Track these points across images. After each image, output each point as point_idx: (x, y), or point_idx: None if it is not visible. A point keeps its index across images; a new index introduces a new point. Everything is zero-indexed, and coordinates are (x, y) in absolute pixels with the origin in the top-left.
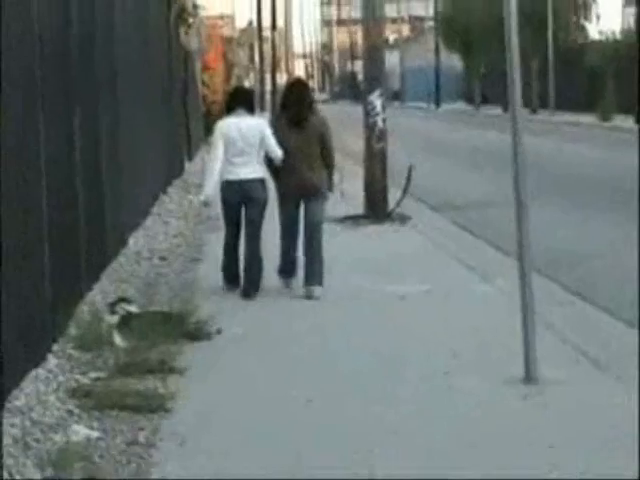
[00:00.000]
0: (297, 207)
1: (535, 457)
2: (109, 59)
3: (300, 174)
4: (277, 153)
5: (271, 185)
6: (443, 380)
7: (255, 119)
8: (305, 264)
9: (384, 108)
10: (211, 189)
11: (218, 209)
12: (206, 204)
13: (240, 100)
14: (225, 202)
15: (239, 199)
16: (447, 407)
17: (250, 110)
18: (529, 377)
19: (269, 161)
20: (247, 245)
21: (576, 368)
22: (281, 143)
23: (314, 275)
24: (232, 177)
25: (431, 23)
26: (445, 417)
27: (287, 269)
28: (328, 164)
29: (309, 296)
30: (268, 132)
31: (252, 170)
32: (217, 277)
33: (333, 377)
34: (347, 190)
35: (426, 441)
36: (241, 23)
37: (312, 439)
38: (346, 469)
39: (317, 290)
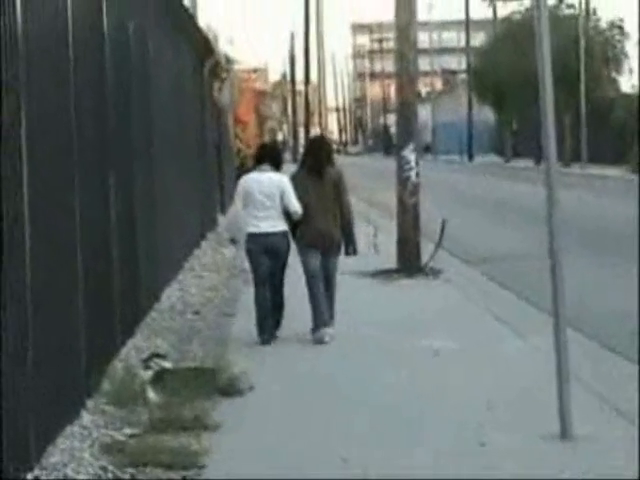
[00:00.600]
0: (317, 258)
1: None
2: (144, 116)
3: (318, 226)
4: (296, 208)
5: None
6: (477, 435)
7: (277, 174)
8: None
9: (417, 162)
10: (234, 227)
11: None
12: (233, 241)
13: (265, 156)
14: (250, 254)
15: (263, 251)
16: (481, 462)
17: (275, 165)
18: (564, 433)
19: (287, 215)
20: (271, 296)
21: (611, 425)
22: (301, 197)
23: (328, 315)
24: (255, 230)
25: (463, 76)
26: (481, 472)
27: (318, 318)
28: (344, 217)
29: (323, 340)
30: (288, 187)
31: (274, 224)
32: (250, 331)
33: (367, 434)
34: (380, 244)
35: None
36: (274, 76)
37: None
38: None
39: (330, 331)
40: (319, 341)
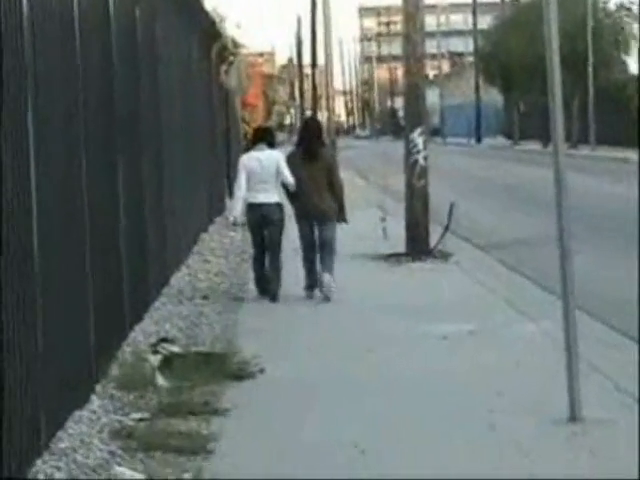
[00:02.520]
0: (311, 228)
1: None
2: (152, 101)
3: (311, 200)
4: (290, 180)
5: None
6: (487, 419)
7: (272, 151)
8: (320, 273)
9: (426, 146)
10: (238, 212)
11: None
12: (235, 224)
13: (261, 137)
14: (249, 222)
15: (260, 220)
16: (491, 446)
17: (270, 145)
18: (574, 417)
19: (285, 188)
20: (269, 260)
21: (621, 408)
22: (295, 174)
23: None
24: (253, 201)
25: (471, 59)
26: (487, 456)
27: (311, 283)
28: (336, 193)
29: (326, 298)
30: (283, 162)
31: (269, 195)
32: (260, 316)
33: (378, 418)
34: (389, 228)
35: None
36: (281, 60)
37: None
38: None
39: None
40: (309, 297)
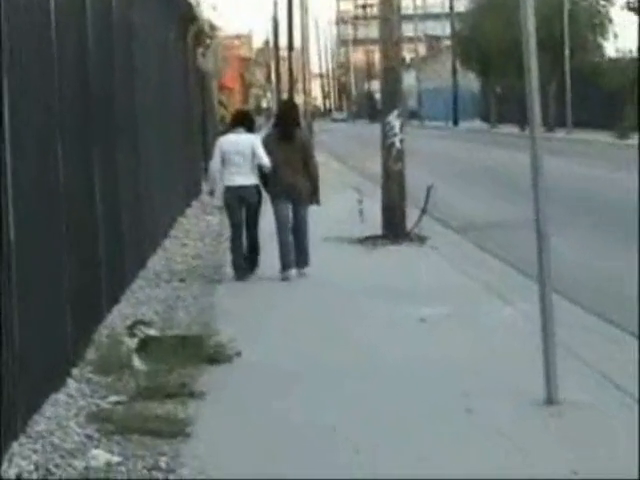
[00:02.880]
0: (286, 208)
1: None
2: (128, 85)
3: (286, 180)
4: (265, 162)
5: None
6: (463, 402)
7: (249, 135)
8: (295, 252)
9: (402, 128)
10: (214, 183)
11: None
12: (212, 193)
13: (239, 121)
14: (227, 205)
15: (237, 201)
16: (467, 428)
17: (248, 129)
18: (550, 399)
19: (260, 170)
20: (247, 241)
21: (597, 390)
22: (271, 155)
23: (302, 260)
24: (230, 184)
25: (448, 42)
26: (464, 438)
27: (286, 264)
28: (310, 174)
29: (301, 275)
30: (258, 144)
31: (246, 178)
32: (236, 299)
33: (354, 401)
34: (366, 210)
35: (446, 463)
36: (258, 43)
37: (334, 466)
38: None
39: (305, 270)
40: (285, 279)
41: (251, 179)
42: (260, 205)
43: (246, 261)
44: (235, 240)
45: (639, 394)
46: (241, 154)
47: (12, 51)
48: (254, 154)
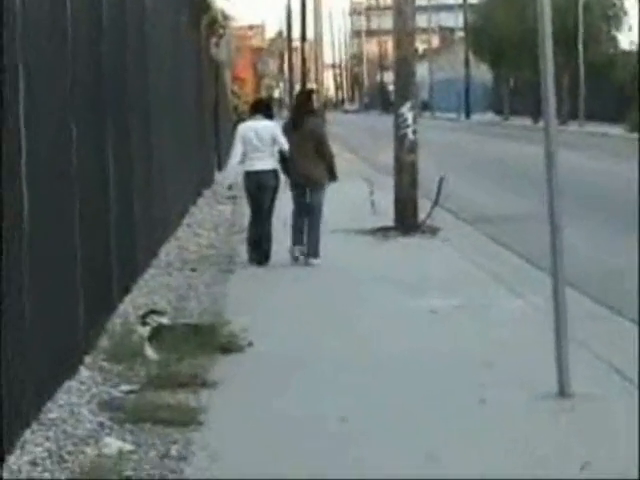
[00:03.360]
0: (303, 194)
1: (568, 473)
2: (141, 73)
3: (299, 167)
4: (285, 147)
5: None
6: (475, 394)
7: (269, 122)
8: (307, 240)
9: (415, 120)
10: (231, 178)
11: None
12: (230, 187)
13: (259, 108)
14: (246, 189)
15: (256, 186)
16: (479, 421)
17: (267, 116)
18: (562, 392)
19: (282, 157)
20: (261, 224)
21: (609, 383)
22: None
23: (312, 251)
24: (250, 169)
25: (461, 34)
26: (477, 430)
27: (296, 239)
28: (325, 157)
29: (309, 264)
30: (278, 131)
31: (265, 163)
32: (249, 289)
33: (367, 391)
34: (378, 202)
35: (458, 455)
36: (271, 33)
37: (345, 456)
38: None
39: (315, 261)
40: (295, 259)
41: (270, 164)
42: (277, 191)
43: (257, 251)
44: (253, 223)
45: (639, 388)
46: (260, 140)
47: (27, 36)
48: (274, 140)
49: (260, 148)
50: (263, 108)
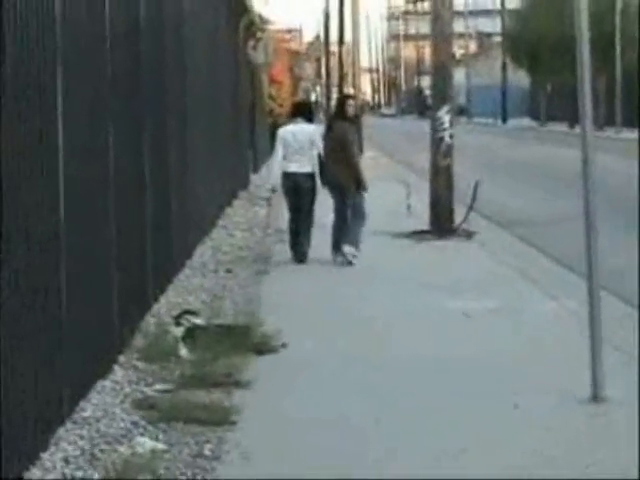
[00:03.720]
0: (340, 197)
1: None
2: (178, 74)
3: (330, 172)
4: (320, 150)
5: None
6: (509, 398)
7: (308, 125)
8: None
9: (452, 124)
10: (274, 179)
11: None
12: (274, 190)
13: (299, 111)
14: (284, 190)
15: (293, 187)
16: (513, 425)
17: (308, 120)
18: (596, 396)
19: (320, 160)
20: (301, 225)
21: None
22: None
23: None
24: (287, 170)
25: (498, 39)
26: (511, 435)
27: (334, 245)
28: (349, 163)
29: (347, 263)
30: (317, 136)
31: (302, 165)
32: (283, 290)
33: (401, 394)
34: (414, 205)
35: (491, 458)
36: (308, 37)
37: (379, 458)
38: None
39: (350, 251)
40: (337, 261)
41: (306, 167)
42: (314, 193)
43: (295, 250)
44: (291, 222)
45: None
46: (298, 142)
47: (66, 38)
48: (312, 143)
49: (298, 151)
50: (304, 111)
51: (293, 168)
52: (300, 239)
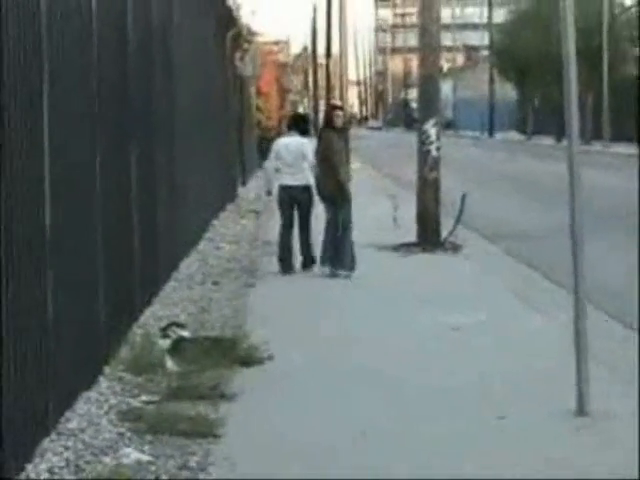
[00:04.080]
0: (330, 206)
1: None
2: (166, 86)
3: (320, 182)
4: (310, 162)
5: None
6: (495, 410)
7: (301, 138)
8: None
9: (439, 137)
10: (269, 183)
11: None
12: (269, 193)
13: (295, 124)
14: (278, 201)
15: (288, 199)
16: (499, 438)
17: (303, 132)
18: (581, 410)
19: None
20: (300, 236)
21: (629, 402)
22: None
23: (340, 263)
24: (282, 182)
25: (485, 53)
26: (496, 448)
27: (322, 256)
28: (333, 172)
29: (325, 273)
30: (307, 147)
31: (297, 178)
32: (270, 303)
33: (387, 407)
34: (401, 218)
35: (478, 472)
36: (296, 49)
37: (365, 472)
38: None
39: (343, 273)
40: (324, 274)
41: (301, 180)
42: (311, 205)
43: (283, 260)
44: (282, 235)
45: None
46: (291, 154)
47: (52, 50)
48: (304, 156)
49: (292, 163)
50: (299, 123)
51: (288, 181)
52: (289, 251)
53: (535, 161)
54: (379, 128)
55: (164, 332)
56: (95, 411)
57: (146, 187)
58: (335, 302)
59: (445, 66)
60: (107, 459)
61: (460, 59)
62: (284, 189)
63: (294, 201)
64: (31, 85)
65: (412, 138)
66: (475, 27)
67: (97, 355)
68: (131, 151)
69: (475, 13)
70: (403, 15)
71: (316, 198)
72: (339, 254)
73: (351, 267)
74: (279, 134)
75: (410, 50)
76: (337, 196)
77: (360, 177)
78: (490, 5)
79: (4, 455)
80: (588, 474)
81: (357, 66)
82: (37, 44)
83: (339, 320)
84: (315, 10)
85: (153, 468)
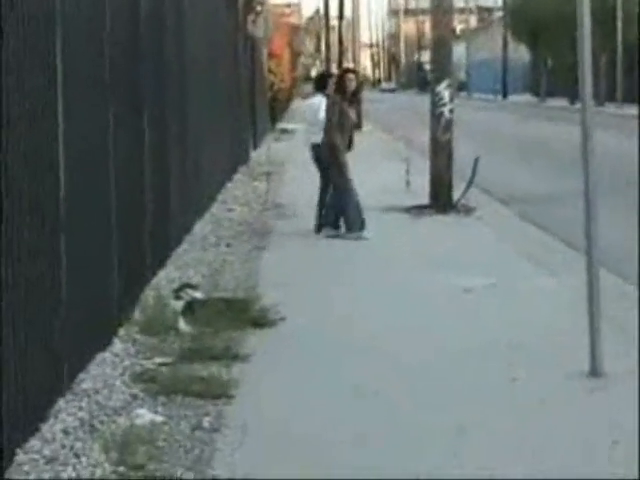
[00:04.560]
0: (323, 170)
1: (599, 453)
2: (177, 48)
3: (322, 145)
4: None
5: None
6: (507, 373)
7: (319, 98)
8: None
9: (452, 99)
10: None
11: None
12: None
13: (318, 84)
14: (314, 161)
15: (317, 158)
16: (511, 400)
17: (325, 89)
18: (594, 371)
19: None
20: (320, 195)
21: None
22: None
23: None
24: (312, 141)
25: (499, 14)
26: (508, 410)
27: (318, 218)
28: (327, 139)
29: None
30: (321, 106)
31: (318, 136)
32: (282, 265)
33: (397, 369)
34: (413, 181)
35: (489, 434)
36: (308, 12)
37: (375, 432)
38: (404, 468)
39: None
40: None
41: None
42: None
43: (318, 218)
44: (320, 194)
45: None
46: (312, 114)
47: (65, 13)
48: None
49: (315, 122)
50: (322, 83)
51: (313, 139)
52: (326, 208)
53: (548, 123)
54: (392, 90)
55: (177, 294)
56: (109, 372)
57: (159, 150)
58: (345, 264)
59: (458, 28)
60: (121, 420)
61: (473, 21)
62: (313, 147)
63: (319, 159)
64: (44, 50)
65: (425, 100)
66: None
67: (111, 317)
68: (144, 114)
69: None
70: None
71: None
72: (342, 218)
73: (360, 228)
74: (290, 97)
75: (423, 12)
76: (332, 163)
77: (372, 140)
78: None
79: (17, 416)
80: (598, 432)
81: (370, 28)
82: (50, 8)
83: (349, 282)
84: None
85: (166, 428)
